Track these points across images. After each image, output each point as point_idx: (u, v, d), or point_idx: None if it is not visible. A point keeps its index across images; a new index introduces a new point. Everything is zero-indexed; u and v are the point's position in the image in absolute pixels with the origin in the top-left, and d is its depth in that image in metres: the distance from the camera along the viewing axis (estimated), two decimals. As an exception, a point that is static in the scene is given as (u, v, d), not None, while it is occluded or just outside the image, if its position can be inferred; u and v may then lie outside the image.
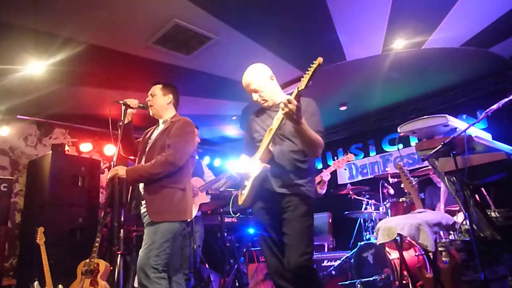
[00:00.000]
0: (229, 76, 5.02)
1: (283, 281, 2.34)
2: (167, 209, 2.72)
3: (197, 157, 4.29)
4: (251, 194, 2.40)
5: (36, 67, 4.38)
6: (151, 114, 3.08)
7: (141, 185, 2.83)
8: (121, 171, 2.73)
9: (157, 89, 3.05)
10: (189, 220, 2.93)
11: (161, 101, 3.02)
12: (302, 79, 2.10)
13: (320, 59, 2.04)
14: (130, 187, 2.95)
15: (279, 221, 2.37)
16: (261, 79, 2.54)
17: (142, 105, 3.00)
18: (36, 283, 3.92)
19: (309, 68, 2.07)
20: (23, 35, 3.82)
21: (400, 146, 6.45)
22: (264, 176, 2.34)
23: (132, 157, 3.11)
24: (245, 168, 2.43)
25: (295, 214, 2.31)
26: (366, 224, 5.08)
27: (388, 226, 2.88)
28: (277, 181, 2.37)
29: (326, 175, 4.34)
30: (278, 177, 2.37)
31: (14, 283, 5.14)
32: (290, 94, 2.16)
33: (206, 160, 7.38)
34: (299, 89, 2.09)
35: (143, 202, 2.80)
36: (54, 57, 4.20)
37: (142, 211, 2.83)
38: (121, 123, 2.91)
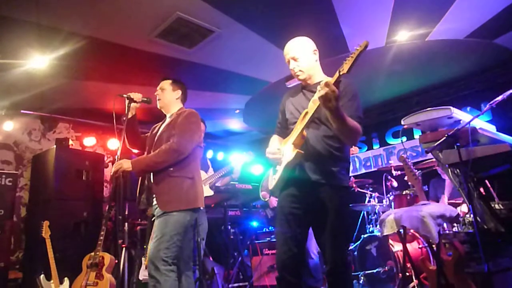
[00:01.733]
0: (232, 70, 5.00)
1: (287, 273, 2.22)
2: (176, 198, 2.73)
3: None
4: (283, 180, 2.30)
5: (39, 61, 4.38)
6: (158, 107, 3.09)
7: (151, 178, 2.85)
8: (126, 164, 2.75)
9: (166, 83, 3.08)
10: (202, 208, 2.93)
11: (169, 96, 3.06)
12: (344, 62, 1.94)
13: (366, 42, 1.90)
14: (139, 181, 2.96)
15: (306, 211, 2.27)
16: (303, 48, 2.41)
17: (146, 99, 3.01)
18: (42, 276, 3.96)
19: (353, 52, 1.93)
20: (26, 30, 3.82)
21: (404, 138, 6.42)
22: (297, 162, 2.22)
23: (137, 151, 3.12)
24: (279, 150, 2.32)
25: (331, 207, 2.21)
26: (370, 216, 5.09)
27: (392, 219, 2.89)
28: (311, 169, 2.25)
29: None
30: (312, 164, 2.25)
31: (20, 276, 5.18)
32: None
33: (209, 154, 7.40)
34: (341, 73, 1.94)
35: (154, 195, 2.82)
36: (57, 51, 4.20)
37: (154, 202, 2.84)
38: (125, 118, 2.92)
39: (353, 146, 4.59)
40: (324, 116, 2.22)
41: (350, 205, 2.32)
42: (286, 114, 2.50)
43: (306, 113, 2.21)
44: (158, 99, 3.06)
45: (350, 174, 6.81)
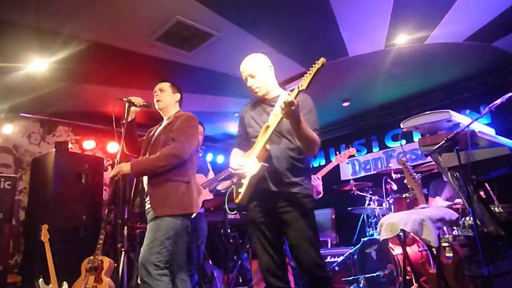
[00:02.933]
0: (231, 73, 5.01)
1: (274, 278, 2.33)
2: (171, 202, 2.71)
3: (201, 155, 4.30)
4: (248, 193, 2.36)
5: (39, 65, 4.38)
6: (157, 108, 3.07)
7: (145, 181, 2.84)
8: (125, 167, 2.74)
9: (166, 85, 3.07)
10: (195, 213, 2.92)
11: (169, 98, 3.05)
12: (303, 78, 2.06)
13: (323, 60, 2.01)
14: (134, 184, 2.95)
15: (275, 220, 2.35)
16: (259, 66, 2.50)
17: (146, 103, 2.99)
18: (40, 280, 3.94)
19: (311, 68, 2.03)
20: (26, 33, 3.82)
21: (403, 141, 6.44)
22: (262, 174, 2.30)
23: (135, 155, 3.10)
24: (242, 167, 2.39)
25: (295, 214, 2.29)
26: (369, 220, 5.08)
27: (391, 222, 2.88)
28: (275, 180, 2.34)
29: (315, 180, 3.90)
30: (275, 176, 2.34)
31: (19, 280, 5.16)
32: (291, 90, 2.13)
33: (208, 157, 7.39)
34: (300, 89, 2.06)
35: (147, 198, 2.80)
36: (56, 55, 4.20)
37: (146, 207, 2.83)
38: (124, 121, 2.91)
39: (350, 147, 4.60)
40: (285, 129, 2.35)
41: (312, 213, 2.39)
42: (247, 128, 2.58)
43: (268, 127, 2.31)
44: (158, 101, 3.03)
45: (350, 177, 6.89)
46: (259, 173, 2.27)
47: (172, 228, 2.68)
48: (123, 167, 2.74)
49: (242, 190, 2.38)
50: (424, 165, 4.47)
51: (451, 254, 2.96)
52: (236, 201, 2.46)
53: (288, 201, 2.31)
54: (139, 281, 3.91)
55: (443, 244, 3.16)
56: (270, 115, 2.36)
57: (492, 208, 2.75)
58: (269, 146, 2.31)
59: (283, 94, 2.09)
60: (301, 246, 2.26)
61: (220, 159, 7.73)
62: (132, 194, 2.93)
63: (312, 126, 2.29)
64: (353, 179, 6.31)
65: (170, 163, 2.73)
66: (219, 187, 4.55)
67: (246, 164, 2.37)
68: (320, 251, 2.38)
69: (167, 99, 3.04)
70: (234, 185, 4.35)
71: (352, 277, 4.62)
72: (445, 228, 3.42)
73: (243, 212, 5.17)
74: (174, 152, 2.74)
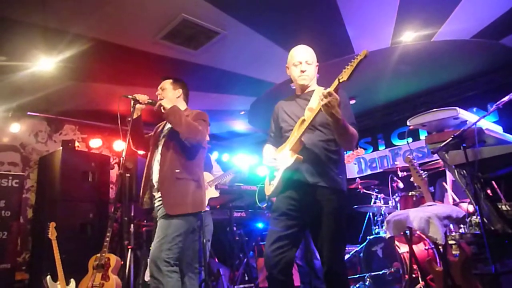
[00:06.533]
0: (237, 71, 5.01)
1: (278, 271, 2.21)
2: (183, 201, 2.74)
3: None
4: (281, 185, 2.34)
5: (45, 63, 4.41)
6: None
7: (155, 178, 2.85)
8: (168, 103, 2.82)
9: (167, 83, 3.08)
10: (203, 211, 2.94)
11: (171, 95, 3.04)
12: (344, 70, 2.04)
13: (365, 51, 1.99)
14: (143, 180, 2.96)
15: (303, 213, 2.30)
16: (314, 58, 2.51)
17: (151, 101, 2.99)
18: (48, 277, 3.98)
19: (352, 60, 2.01)
20: (32, 32, 3.85)
21: (410, 139, 6.40)
22: (296, 167, 2.27)
23: (142, 152, 3.11)
24: (275, 160, 2.37)
25: (328, 209, 2.24)
26: (375, 218, 5.07)
27: (398, 220, 2.87)
28: (310, 172, 2.29)
29: None
30: (310, 168, 2.29)
31: (27, 278, 5.21)
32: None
33: (214, 155, 7.40)
34: (340, 80, 2.03)
35: (157, 195, 2.82)
36: (63, 54, 4.23)
37: (156, 204, 2.85)
38: (129, 118, 2.92)
39: (359, 148, 4.58)
40: (318, 122, 2.32)
41: (346, 209, 2.36)
42: (280, 123, 2.55)
43: (303, 120, 2.28)
44: (160, 99, 3.02)
45: (356, 175, 6.87)
46: (294, 165, 2.24)
47: (183, 225, 2.71)
48: (165, 103, 2.82)
49: (274, 182, 2.36)
50: (431, 163, 4.44)
51: (457, 252, 2.94)
52: (267, 193, 2.44)
53: (322, 196, 2.26)
54: (145, 278, 3.94)
55: (450, 242, 3.15)
56: (305, 109, 2.33)
57: (499, 206, 2.73)
58: (304, 139, 2.29)
59: (318, 89, 2.06)
60: (327, 242, 2.23)
61: (225, 157, 7.73)
62: (141, 190, 2.95)
63: (349, 120, 2.27)
64: (359, 177, 6.29)
65: (192, 131, 2.75)
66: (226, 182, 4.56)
67: (280, 157, 2.36)
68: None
69: (167, 97, 3.03)
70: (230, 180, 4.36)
71: (358, 275, 4.61)
72: (451, 225, 3.40)
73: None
74: (198, 128, 2.78)
